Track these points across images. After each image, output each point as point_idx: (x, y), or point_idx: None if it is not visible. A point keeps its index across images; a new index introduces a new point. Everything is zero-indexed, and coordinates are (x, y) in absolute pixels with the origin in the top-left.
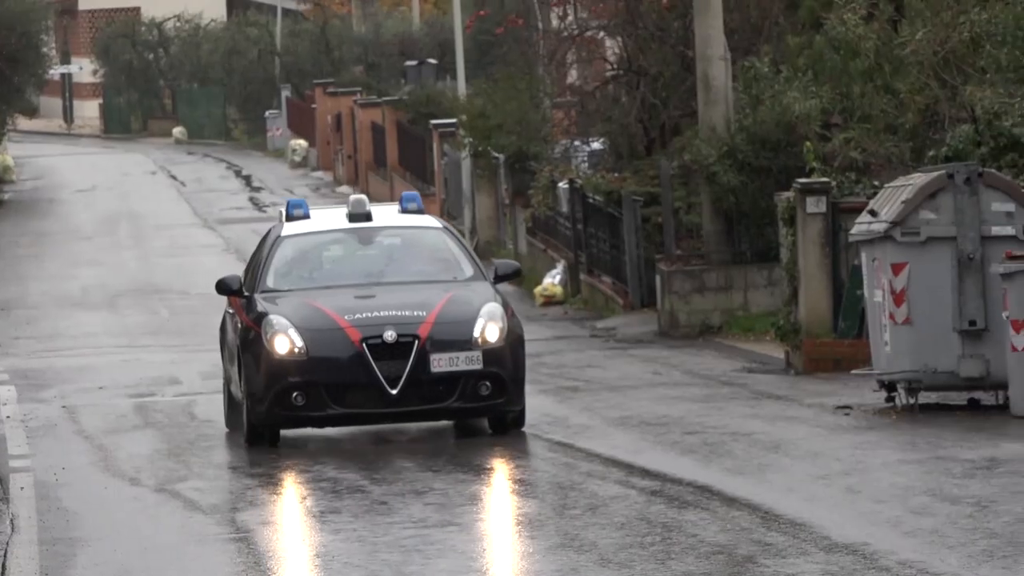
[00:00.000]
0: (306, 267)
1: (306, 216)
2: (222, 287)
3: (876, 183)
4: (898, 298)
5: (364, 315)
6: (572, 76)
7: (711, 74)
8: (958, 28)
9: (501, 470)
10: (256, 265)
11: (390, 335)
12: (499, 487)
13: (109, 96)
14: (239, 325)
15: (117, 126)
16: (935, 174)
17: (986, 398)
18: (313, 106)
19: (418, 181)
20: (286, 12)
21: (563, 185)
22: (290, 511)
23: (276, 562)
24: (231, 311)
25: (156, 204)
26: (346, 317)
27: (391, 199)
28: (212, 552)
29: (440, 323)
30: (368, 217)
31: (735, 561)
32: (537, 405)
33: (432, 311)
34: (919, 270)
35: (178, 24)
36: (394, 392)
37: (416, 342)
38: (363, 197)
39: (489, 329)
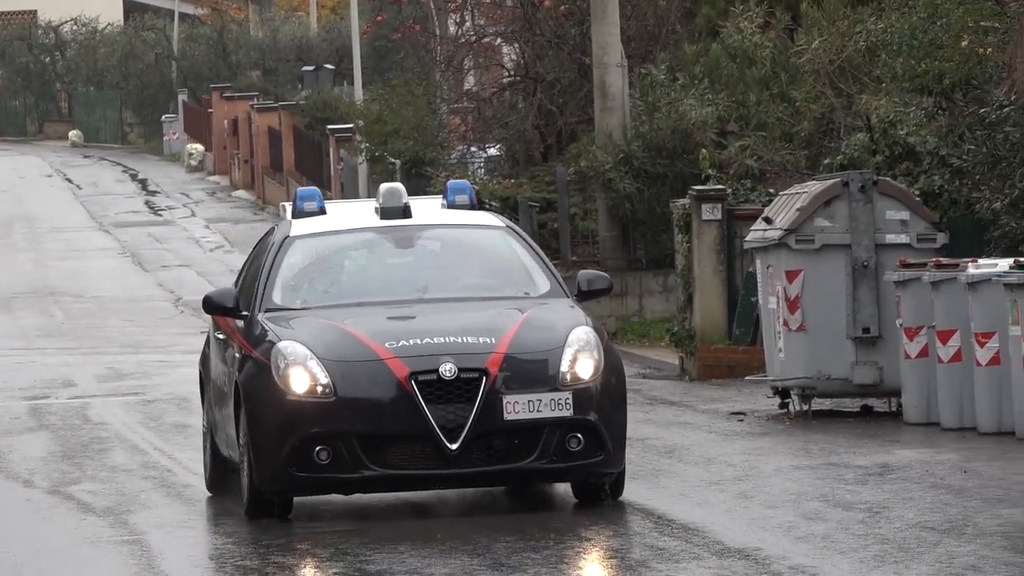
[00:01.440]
0: (325, 278)
1: (321, 211)
2: (211, 304)
3: (772, 191)
4: (792, 305)
5: (410, 342)
6: (469, 82)
7: (608, 81)
8: (854, 37)
9: None
10: (255, 275)
11: (448, 369)
12: None
13: (5, 99)
14: (236, 355)
15: (13, 129)
16: (830, 182)
17: (879, 405)
18: (210, 111)
19: (318, 183)
20: (183, 16)
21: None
22: (185, 514)
23: (169, 564)
24: (220, 335)
25: (52, 207)
26: (387, 345)
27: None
28: (105, 554)
29: (515, 354)
30: (406, 212)
31: (628, 565)
32: None
33: (503, 338)
34: (813, 277)
35: (75, 27)
36: (454, 448)
37: (484, 379)
38: (398, 186)
39: (581, 363)
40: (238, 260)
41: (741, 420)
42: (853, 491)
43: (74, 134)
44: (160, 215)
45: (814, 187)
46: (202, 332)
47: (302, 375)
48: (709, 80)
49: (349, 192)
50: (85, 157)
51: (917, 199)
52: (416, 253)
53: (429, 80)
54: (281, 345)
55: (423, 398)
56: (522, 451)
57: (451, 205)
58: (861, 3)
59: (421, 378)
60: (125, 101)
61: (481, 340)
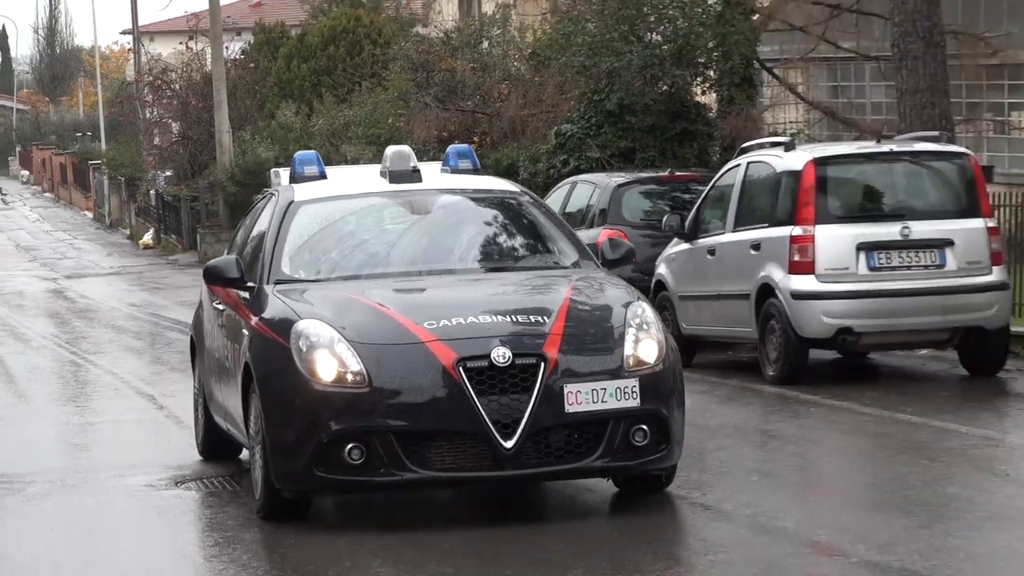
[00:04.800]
0: (338, 246)
1: (321, 176)
2: (213, 275)
3: None
4: None
5: (452, 322)
6: (157, 139)
7: (222, 140)
8: (339, 117)
9: None
10: (256, 243)
11: (502, 355)
12: None
13: None
14: (244, 331)
15: None
16: None
17: None
18: (31, 154)
19: (85, 190)
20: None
21: (153, 192)
22: None
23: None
24: (219, 305)
25: None
26: (426, 325)
27: (70, 203)
28: None
29: (572, 335)
30: (417, 175)
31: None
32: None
33: (556, 315)
34: None
35: None
36: (509, 446)
37: (542, 365)
38: (406, 148)
39: (645, 344)
40: (48, 226)
41: None
42: None
43: None
44: (8, 205)
45: None
46: (26, 268)
47: (329, 360)
48: (271, 139)
49: (100, 192)
50: None
51: None
52: (433, 219)
53: (137, 138)
54: (302, 325)
55: (472, 388)
56: (583, 448)
57: (454, 171)
58: (343, 101)
59: (470, 365)
60: None
61: (532, 319)
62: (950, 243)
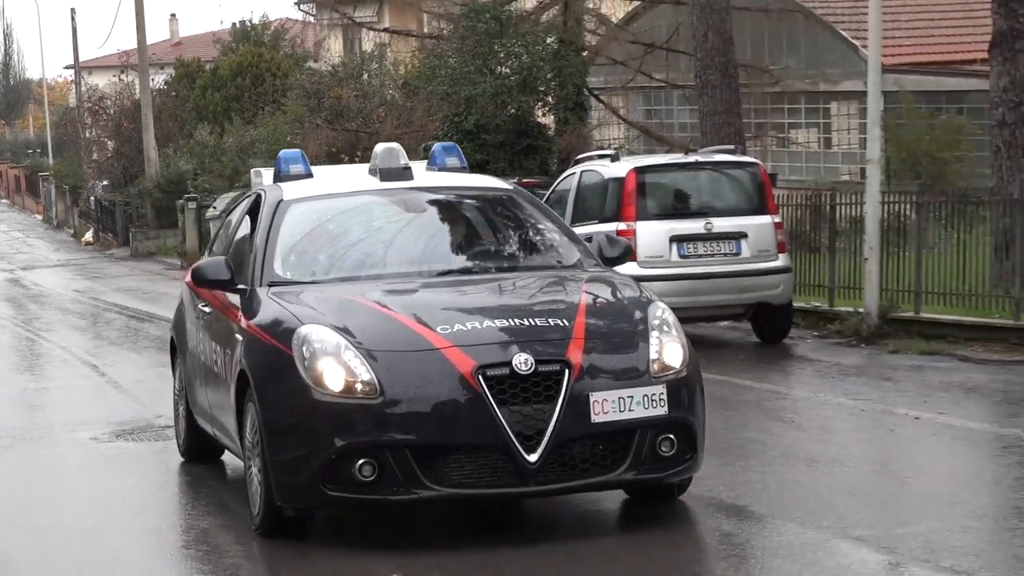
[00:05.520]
0: (332, 246)
1: (308, 175)
2: (202, 277)
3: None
4: None
5: (467, 326)
6: (95, 155)
7: (150, 155)
8: (248, 134)
9: None
10: (241, 244)
11: (524, 361)
12: None
13: None
14: (237, 336)
15: None
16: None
17: None
18: None
19: (36, 197)
20: None
21: (92, 198)
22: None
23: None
24: (205, 308)
25: None
26: (439, 330)
27: (24, 208)
28: None
29: (595, 339)
30: (408, 173)
31: None
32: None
33: (576, 318)
34: None
35: None
36: (533, 460)
37: (567, 372)
38: (396, 145)
39: (670, 348)
40: (4, 227)
41: None
42: None
43: None
44: None
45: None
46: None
47: (336, 369)
48: (190, 154)
49: (47, 199)
50: None
51: None
52: (429, 218)
53: (79, 154)
54: (305, 330)
55: (493, 398)
56: (609, 460)
57: (441, 168)
58: (249, 123)
59: (490, 373)
60: None
61: (551, 322)
62: (744, 235)
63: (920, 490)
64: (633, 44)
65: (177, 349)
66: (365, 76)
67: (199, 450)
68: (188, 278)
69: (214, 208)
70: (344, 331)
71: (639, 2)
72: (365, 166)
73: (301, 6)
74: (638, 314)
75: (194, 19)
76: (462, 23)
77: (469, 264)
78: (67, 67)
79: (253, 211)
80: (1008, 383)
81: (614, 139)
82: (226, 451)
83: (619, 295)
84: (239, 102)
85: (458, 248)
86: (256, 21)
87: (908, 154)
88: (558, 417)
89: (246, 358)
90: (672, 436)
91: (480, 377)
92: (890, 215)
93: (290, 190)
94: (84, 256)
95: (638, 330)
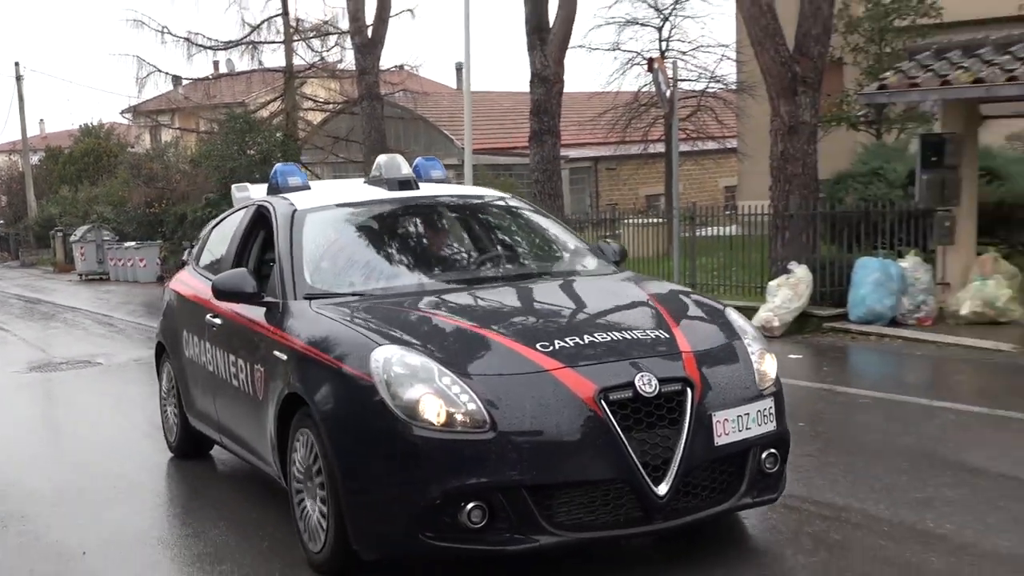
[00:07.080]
0: (364, 256)
1: (305, 187)
2: (224, 291)
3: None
4: None
5: (570, 343)
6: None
7: (31, 205)
8: (93, 191)
9: None
10: (243, 256)
11: (647, 382)
12: None
13: None
14: (278, 354)
15: None
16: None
17: None
18: None
19: None
20: None
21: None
22: None
23: None
24: (217, 320)
25: None
26: (539, 347)
27: None
28: None
29: (702, 352)
30: (415, 183)
31: None
32: None
33: (672, 329)
34: None
35: None
36: (662, 492)
37: (689, 392)
38: (398, 156)
39: (768, 359)
40: None
41: None
42: None
43: None
44: None
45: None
46: None
47: (432, 399)
48: (56, 203)
49: None
50: None
51: None
52: (452, 227)
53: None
54: (385, 352)
55: (618, 424)
56: (727, 484)
57: (427, 181)
58: (94, 184)
59: (612, 397)
60: None
61: (652, 335)
62: None
63: None
64: (327, 137)
65: (166, 355)
66: (166, 156)
67: (189, 448)
68: (184, 289)
69: (75, 234)
70: (429, 351)
71: (330, 112)
72: (353, 180)
73: (125, 115)
74: (723, 322)
75: (55, 121)
76: (226, 124)
77: (514, 270)
78: None
79: (253, 224)
80: None
81: None
82: (215, 446)
83: (687, 301)
84: (86, 172)
85: (497, 255)
86: (95, 123)
87: None
88: (685, 443)
89: (303, 382)
90: (776, 451)
91: (603, 402)
92: None
93: (300, 200)
94: (43, 272)
95: (733, 340)
